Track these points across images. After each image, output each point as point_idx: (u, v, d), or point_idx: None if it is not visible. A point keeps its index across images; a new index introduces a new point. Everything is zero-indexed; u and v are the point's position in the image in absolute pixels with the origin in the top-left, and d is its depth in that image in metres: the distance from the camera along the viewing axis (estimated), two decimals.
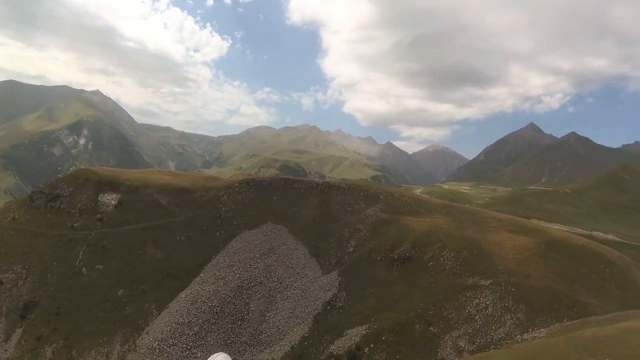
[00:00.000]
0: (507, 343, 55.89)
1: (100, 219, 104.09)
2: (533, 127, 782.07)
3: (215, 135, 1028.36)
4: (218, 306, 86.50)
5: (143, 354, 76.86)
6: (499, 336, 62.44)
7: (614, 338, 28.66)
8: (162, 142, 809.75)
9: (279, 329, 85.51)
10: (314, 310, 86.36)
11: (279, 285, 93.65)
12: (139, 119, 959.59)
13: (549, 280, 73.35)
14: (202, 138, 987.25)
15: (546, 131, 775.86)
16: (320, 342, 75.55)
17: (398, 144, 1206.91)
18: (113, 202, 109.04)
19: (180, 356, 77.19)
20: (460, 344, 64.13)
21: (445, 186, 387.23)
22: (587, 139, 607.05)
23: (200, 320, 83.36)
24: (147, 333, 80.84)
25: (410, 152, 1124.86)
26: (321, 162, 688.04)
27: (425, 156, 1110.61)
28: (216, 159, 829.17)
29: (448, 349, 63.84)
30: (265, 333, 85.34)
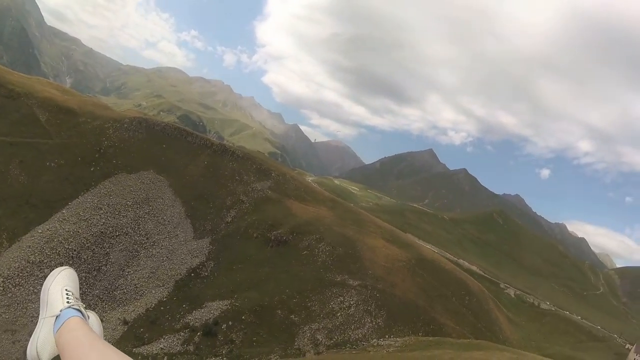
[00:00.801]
0: (363, 345, 56.59)
1: None
2: (431, 153, 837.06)
3: (124, 63, 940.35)
4: (75, 250, 76.40)
5: None
6: (357, 336, 63.44)
7: None
8: (65, 53, 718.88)
9: (136, 287, 78.26)
10: (177, 275, 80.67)
11: (146, 241, 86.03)
12: (50, 20, 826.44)
13: (412, 294, 76.52)
14: (109, 62, 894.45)
15: (441, 160, 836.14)
16: (177, 310, 70.68)
17: (304, 129, 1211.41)
18: None
19: (25, 300, 66.53)
20: (318, 337, 64.05)
21: (337, 181, 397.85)
22: (475, 178, 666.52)
23: (53, 262, 72.55)
24: None
25: (313, 140, 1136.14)
26: (224, 124, 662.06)
27: (327, 148, 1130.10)
28: (117, 89, 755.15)
29: (306, 339, 63.41)
30: (120, 289, 77.50)
